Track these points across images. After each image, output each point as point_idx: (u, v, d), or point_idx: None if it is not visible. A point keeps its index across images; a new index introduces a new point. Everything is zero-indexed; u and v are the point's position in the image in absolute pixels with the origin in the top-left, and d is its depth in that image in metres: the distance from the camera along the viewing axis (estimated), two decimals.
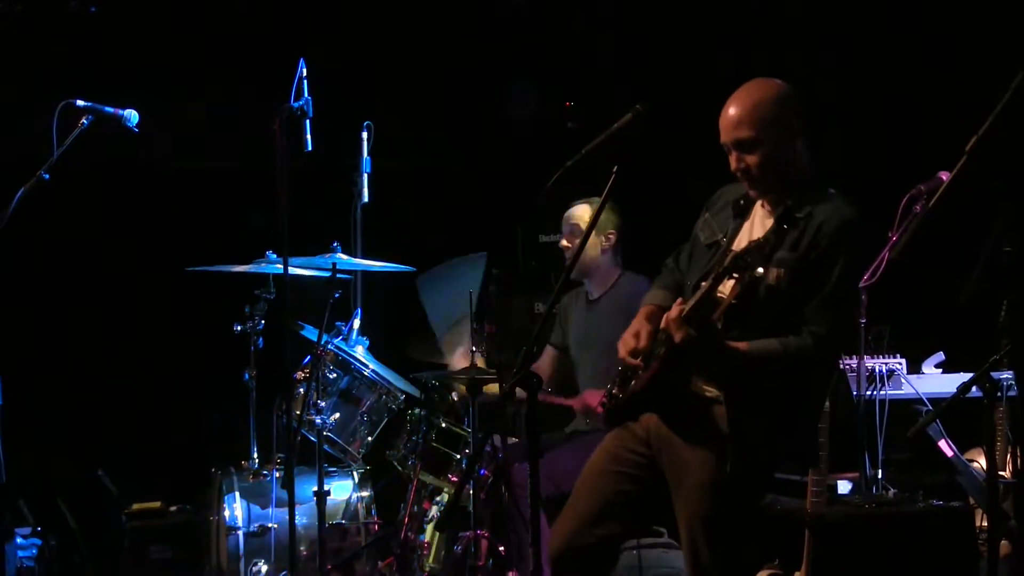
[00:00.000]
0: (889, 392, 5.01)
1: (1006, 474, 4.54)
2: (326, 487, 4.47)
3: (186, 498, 5.35)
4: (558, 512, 3.65)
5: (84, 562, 5.51)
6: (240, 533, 4.71)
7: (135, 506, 5.24)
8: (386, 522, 4.95)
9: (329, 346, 4.76)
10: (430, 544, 4.85)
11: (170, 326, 6.26)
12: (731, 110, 3.36)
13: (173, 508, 5.31)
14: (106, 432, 6.02)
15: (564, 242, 5.07)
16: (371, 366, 4.93)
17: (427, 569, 4.80)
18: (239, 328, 4.93)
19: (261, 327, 4.93)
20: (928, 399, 5.00)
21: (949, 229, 3.65)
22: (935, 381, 5.16)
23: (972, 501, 4.73)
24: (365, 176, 5.18)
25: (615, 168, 3.21)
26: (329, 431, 4.74)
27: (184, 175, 6.45)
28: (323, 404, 4.63)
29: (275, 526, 4.70)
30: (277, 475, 4.75)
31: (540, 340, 5.16)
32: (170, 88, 6.09)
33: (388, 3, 6.37)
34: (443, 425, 4.88)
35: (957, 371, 5.17)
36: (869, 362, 4.97)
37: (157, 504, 5.28)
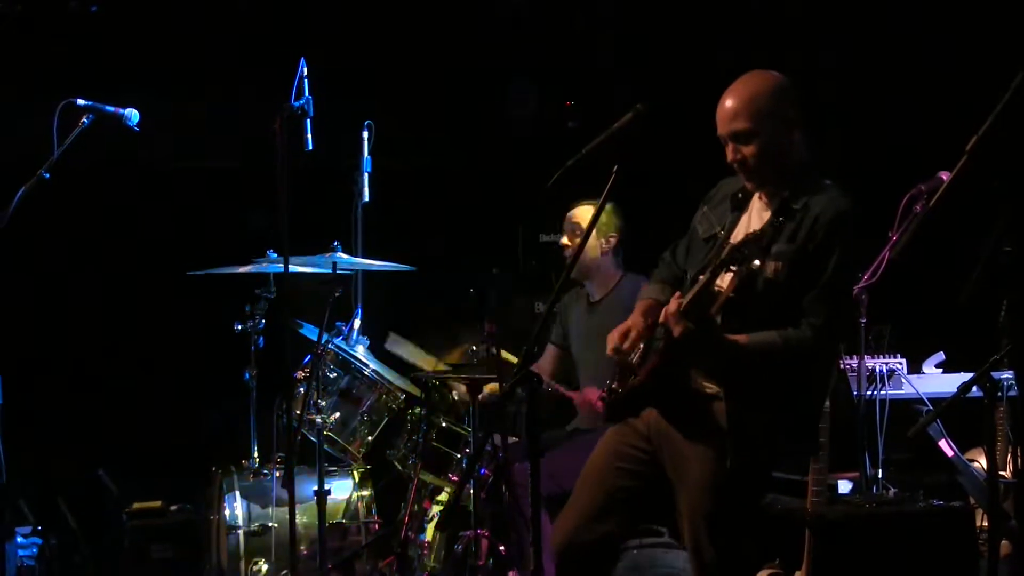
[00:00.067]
0: (889, 392, 5.01)
1: (1006, 474, 4.54)
2: (326, 486, 4.47)
3: (186, 497, 5.35)
4: (559, 511, 3.66)
5: (84, 561, 5.51)
6: (240, 532, 4.71)
7: (136, 505, 5.24)
8: (386, 521, 4.95)
9: (329, 345, 4.76)
10: (430, 543, 4.85)
11: (170, 325, 6.26)
12: (727, 102, 3.36)
13: (173, 507, 5.31)
14: (106, 431, 6.02)
15: (565, 240, 5.07)
16: (371, 365, 4.93)
17: (427, 568, 4.80)
18: (239, 327, 4.93)
19: (262, 326, 4.93)
20: (928, 399, 5.01)
21: (949, 229, 3.65)
22: (935, 381, 5.16)
23: (972, 501, 4.73)
24: (366, 175, 5.18)
25: (615, 168, 3.21)
26: (329, 430, 4.74)
27: (185, 174, 6.45)
28: (323, 403, 4.63)
29: (275, 525, 4.69)
30: (277, 474, 4.75)
31: (540, 340, 5.16)
32: (170, 88, 6.09)
33: (388, 3, 6.37)
34: (443, 424, 4.88)
35: (957, 371, 5.17)
36: (869, 362, 4.97)
37: (157, 503, 5.28)
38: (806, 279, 3.24)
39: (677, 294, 3.27)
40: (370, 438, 4.94)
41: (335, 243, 4.76)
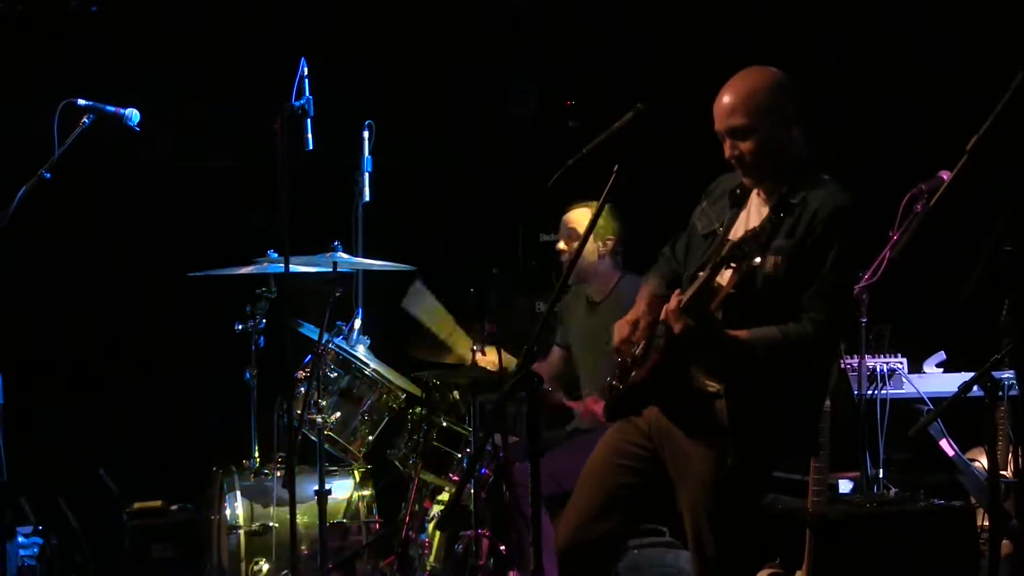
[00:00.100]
0: (890, 391, 5.01)
1: (1007, 473, 4.54)
2: (327, 486, 4.47)
3: (187, 497, 5.35)
4: (560, 511, 3.66)
5: (85, 561, 5.51)
6: (241, 532, 4.71)
7: (136, 505, 5.24)
8: (387, 521, 4.95)
9: (330, 345, 4.76)
10: (431, 543, 4.85)
11: (171, 325, 6.26)
12: (725, 98, 3.36)
13: (174, 507, 5.31)
14: (107, 431, 6.03)
15: (561, 245, 5.05)
16: (372, 365, 4.93)
17: (428, 568, 4.80)
18: (240, 327, 4.93)
19: (262, 326, 4.93)
20: (929, 398, 5.00)
21: (950, 228, 3.65)
22: (936, 380, 5.16)
23: (973, 500, 4.73)
24: (366, 175, 5.18)
25: (615, 167, 3.21)
26: (330, 430, 4.74)
27: (185, 174, 6.45)
28: (324, 403, 4.63)
29: (276, 525, 4.69)
30: (278, 474, 4.75)
31: (540, 340, 5.16)
32: (170, 88, 6.09)
33: (389, 3, 6.38)
34: (444, 424, 4.88)
35: (958, 370, 5.17)
36: (870, 361, 4.96)
37: (158, 503, 5.28)
38: (806, 274, 3.24)
39: (677, 291, 3.27)
40: (371, 438, 4.94)
41: (335, 243, 4.76)
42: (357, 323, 5.10)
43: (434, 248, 6.57)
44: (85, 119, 4.22)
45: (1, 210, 4.13)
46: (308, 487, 4.60)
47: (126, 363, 6.24)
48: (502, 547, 4.52)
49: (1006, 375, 3.88)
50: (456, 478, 4.82)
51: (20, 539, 5.17)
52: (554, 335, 5.24)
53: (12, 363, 4.27)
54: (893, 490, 4.69)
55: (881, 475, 4.82)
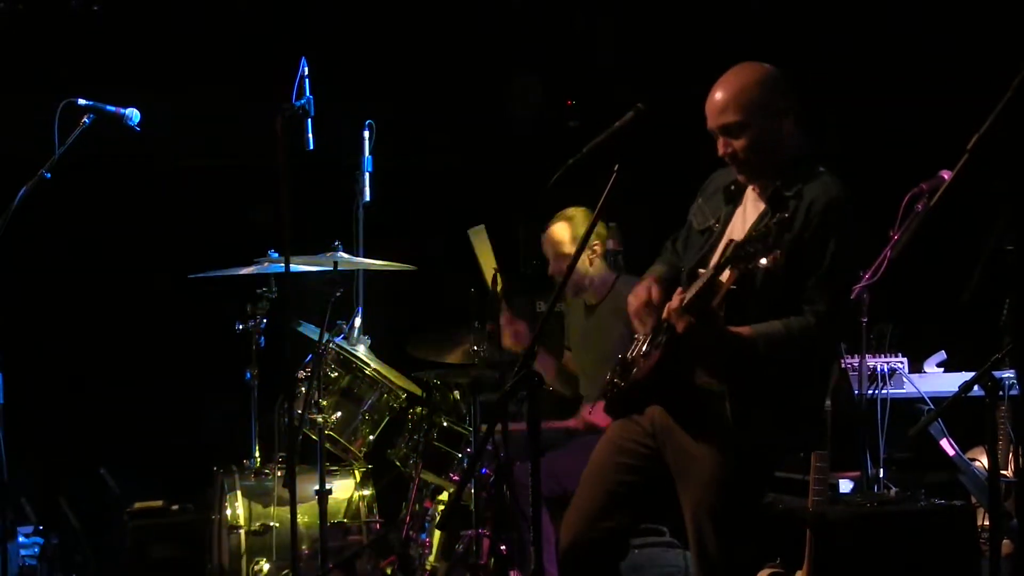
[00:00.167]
0: (891, 391, 5.01)
1: (1008, 473, 4.54)
2: (328, 486, 4.47)
3: (188, 497, 5.35)
4: (561, 511, 3.66)
5: (86, 561, 5.51)
6: (242, 532, 4.71)
7: (137, 505, 5.24)
8: (387, 521, 4.95)
9: (331, 345, 4.76)
10: (431, 543, 4.85)
11: (172, 325, 6.26)
12: (716, 95, 3.36)
13: (175, 507, 5.31)
14: (108, 431, 6.03)
15: (551, 269, 5.04)
16: (372, 365, 4.93)
17: (428, 568, 4.80)
18: (241, 327, 4.93)
19: (263, 326, 4.93)
20: (930, 398, 5.01)
21: (951, 228, 3.66)
22: (937, 380, 5.17)
23: (974, 500, 4.73)
24: (367, 175, 5.18)
25: (616, 167, 3.21)
26: (331, 430, 4.74)
27: (186, 174, 6.46)
28: (325, 403, 4.63)
29: (277, 525, 4.69)
30: (279, 474, 4.75)
31: (540, 339, 5.15)
32: (171, 87, 6.09)
33: (390, 3, 6.38)
34: (444, 424, 4.89)
35: (959, 370, 5.18)
36: (871, 361, 4.97)
37: (159, 503, 5.28)
38: (805, 267, 3.24)
39: (679, 289, 3.27)
40: (371, 437, 4.94)
41: (336, 243, 4.76)
42: (358, 323, 5.10)
43: (434, 248, 6.57)
44: (85, 119, 4.21)
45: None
46: (309, 487, 4.60)
47: (127, 363, 6.25)
48: (502, 547, 4.52)
49: (1006, 375, 3.89)
50: (456, 478, 4.82)
51: (21, 539, 5.18)
52: (563, 336, 5.25)
53: (13, 363, 4.26)
54: (894, 490, 4.69)
55: (882, 475, 4.82)
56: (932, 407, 4.96)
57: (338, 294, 4.57)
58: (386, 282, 5.50)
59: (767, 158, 3.35)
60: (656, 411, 3.45)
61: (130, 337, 6.27)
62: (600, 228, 4.99)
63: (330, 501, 4.51)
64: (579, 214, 4.99)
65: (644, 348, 3.41)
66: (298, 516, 4.07)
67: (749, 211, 3.40)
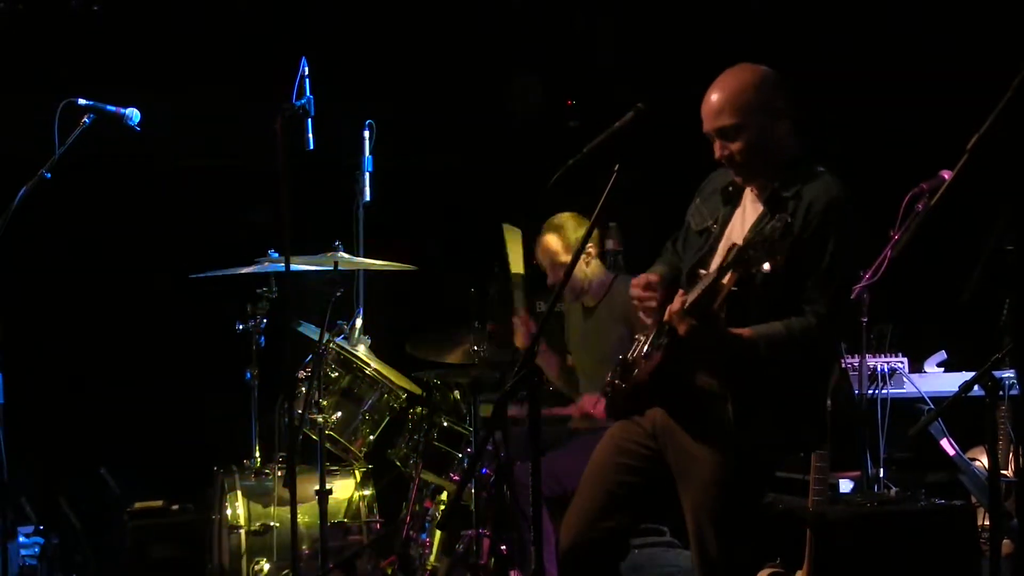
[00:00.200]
0: (891, 391, 5.01)
1: (1008, 473, 4.54)
2: (328, 486, 4.47)
3: (188, 497, 5.35)
4: (561, 511, 3.66)
5: (86, 561, 5.51)
6: (242, 532, 4.71)
7: (137, 505, 5.24)
8: (388, 521, 4.95)
9: (331, 345, 4.76)
10: (432, 543, 4.86)
11: (172, 324, 6.26)
12: (711, 99, 3.36)
13: (175, 507, 5.31)
14: (108, 431, 6.02)
15: (550, 279, 5.04)
16: (373, 365, 4.93)
17: (429, 568, 4.80)
18: (241, 327, 4.93)
19: (263, 326, 4.93)
20: (930, 398, 5.01)
21: (951, 228, 3.65)
22: (937, 380, 5.17)
23: (974, 500, 4.73)
24: (367, 175, 5.18)
25: (616, 167, 3.21)
26: (331, 430, 4.74)
27: (186, 174, 6.46)
28: (325, 403, 4.63)
29: (277, 525, 4.70)
30: (279, 474, 4.76)
31: (542, 338, 5.16)
32: (171, 87, 6.09)
33: (390, 3, 6.38)
34: (445, 424, 4.89)
35: (959, 370, 5.18)
36: (871, 361, 4.97)
37: (159, 503, 5.28)
38: (805, 267, 3.23)
39: (681, 292, 3.27)
40: (372, 437, 4.94)
41: (336, 242, 4.76)
42: (358, 323, 5.10)
43: (434, 248, 6.57)
44: (85, 119, 4.21)
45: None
46: (309, 487, 4.60)
47: (127, 363, 6.24)
48: (503, 547, 4.52)
49: (1007, 374, 3.89)
50: (457, 478, 4.82)
51: (21, 539, 5.18)
52: (564, 336, 5.25)
53: (13, 363, 4.26)
54: (894, 489, 4.69)
55: (882, 474, 4.82)
56: (932, 407, 4.96)
57: (338, 294, 4.57)
58: (386, 282, 5.50)
59: (764, 160, 3.35)
60: (657, 412, 3.45)
61: (130, 337, 6.27)
62: (583, 229, 4.97)
63: (330, 501, 4.51)
64: (568, 221, 4.98)
65: (645, 349, 3.41)
66: (298, 516, 4.07)
67: (748, 212, 3.40)
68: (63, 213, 5.87)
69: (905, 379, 5.05)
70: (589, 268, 4.97)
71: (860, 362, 4.83)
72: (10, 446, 4.14)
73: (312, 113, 4.14)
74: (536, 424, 3.18)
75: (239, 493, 4.77)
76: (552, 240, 4.99)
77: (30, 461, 5.14)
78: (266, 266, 4.76)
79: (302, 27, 6.19)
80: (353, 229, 5.27)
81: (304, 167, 4.11)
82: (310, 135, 4.16)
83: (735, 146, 3.33)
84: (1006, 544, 4.30)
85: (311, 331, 4.83)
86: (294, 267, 4.45)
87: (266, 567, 4.67)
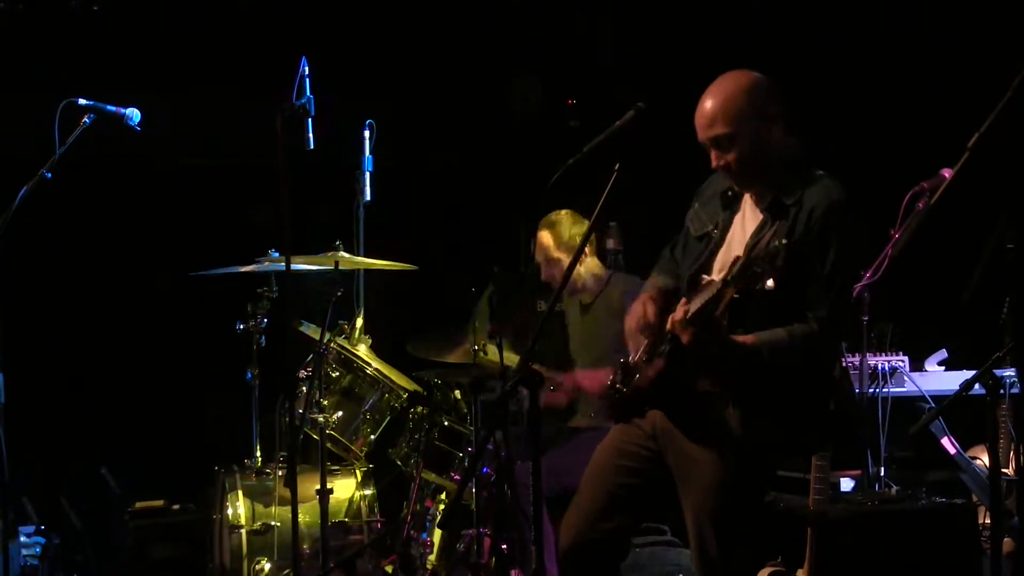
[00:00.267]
0: (892, 390, 5.01)
1: (1009, 471, 4.54)
2: (329, 485, 4.47)
3: (189, 496, 5.35)
4: (560, 510, 3.66)
5: (87, 560, 5.51)
6: (243, 531, 4.71)
7: (138, 504, 5.24)
8: (389, 520, 4.95)
9: (332, 344, 4.76)
10: (432, 542, 4.86)
11: (173, 324, 6.26)
12: (703, 108, 3.35)
13: (176, 506, 5.31)
14: (109, 430, 6.02)
15: (543, 275, 5.05)
16: (373, 364, 4.93)
17: (430, 567, 4.80)
18: (242, 326, 4.93)
19: (264, 325, 4.93)
20: (931, 396, 5.01)
21: (952, 226, 3.65)
22: (938, 378, 5.17)
23: (975, 498, 4.73)
24: (367, 175, 5.18)
25: (616, 166, 3.21)
26: (332, 429, 4.74)
27: (186, 174, 6.45)
28: (326, 402, 4.63)
29: (278, 524, 4.70)
30: (280, 473, 4.76)
31: (541, 338, 5.15)
32: (171, 87, 6.09)
33: (390, 3, 6.38)
34: (445, 423, 4.89)
35: (959, 368, 5.18)
36: (872, 359, 4.97)
37: (160, 502, 5.28)
38: (807, 272, 3.23)
39: (683, 300, 3.26)
40: (372, 437, 4.94)
41: (337, 242, 4.76)
42: (359, 322, 5.10)
43: (434, 248, 6.57)
44: (85, 119, 4.21)
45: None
46: (310, 486, 4.60)
47: (128, 363, 6.24)
48: (504, 546, 4.52)
49: (1007, 373, 3.89)
50: (457, 477, 4.82)
51: (22, 538, 5.17)
52: (564, 336, 5.24)
53: (14, 363, 4.26)
54: (895, 488, 4.68)
55: (883, 473, 4.82)
56: (933, 405, 4.96)
57: (339, 294, 4.57)
58: (386, 282, 5.50)
59: (761, 166, 3.35)
60: (657, 415, 3.46)
61: (131, 337, 6.27)
62: (582, 227, 4.97)
63: (331, 500, 4.51)
64: (564, 218, 5.00)
65: (646, 355, 3.41)
66: (299, 516, 4.07)
67: (748, 218, 3.40)
68: (63, 213, 5.87)
69: (906, 378, 5.05)
70: (584, 265, 4.97)
71: (861, 361, 4.83)
72: (11, 446, 4.14)
73: (312, 113, 4.14)
74: (536, 424, 3.18)
75: (240, 493, 4.77)
76: (546, 236, 5.01)
77: (31, 461, 5.15)
78: (266, 266, 4.76)
79: (302, 27, 6.19)
80: (353, 229, 5.27)
81: (304, 167, 4.11)
82: (310, 135, 4.15)
83: (731, 156, 3.33)
84: (1007, 542, 4.30)
85: (314, 330, 4.83)
86: (294, 267, 4.45)
87: (267, 567, 4.67)
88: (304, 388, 4.68)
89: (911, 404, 5.02)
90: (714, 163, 3.37)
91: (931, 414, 3.83)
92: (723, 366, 3.28)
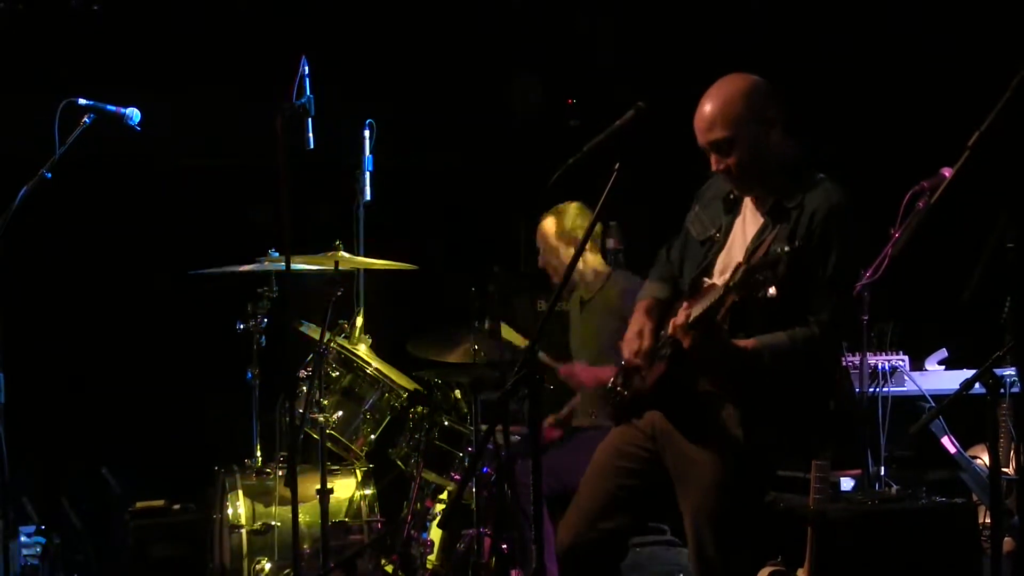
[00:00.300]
0: (892, 389, 5.01)
1: (1009, 471, 4.54)
2: (329, 485, 4.47)
3: (189, 496, 5.36)
4: (561, 509, 3.66)
5: (88, 560, 5.51)
6: (243, 531, 4.71)
7: (138, 504, 5.25)
8: (389, 520, 4.95)
9: (332, 344, 4.76)
10: (433, 542, 4.86)
11: (173, 324, 6.26)
12: (702, 112, 3.35)
13: (176, 506, 5.32)
14: (109, 430, 6.03)
15: (540, 262, 5.05)
16: (374, 364, 4.94)
17: (430, 567, 4.80)
18: (242, 326, 4.93)
19: (264, 325, 4.94)
20: (931, 396, 5.01)
21: (952, 225, 3.65)
22: (938, 378, 5.17)
23: (975, 498, 4.73)
24: (367, 174, 5.18)
25: (616, 166, 3.21)
26: (332, 429, 4.74)
27: (186, 173, 6.46)
28: (326, 402, 4.63)
29: (278, 524, 4.70)
30: (280, 473, 4.76)
31: (542, 338, 5.15)
32: (171, 87, 6.09)
33: (390, 2, 6.38)
34: (445, 423, 4.89)
35: (960, 368, 5.18)
36: (872, 359, 4.97)
37: (160, 502, 5.28)
38: (808, 277, 3.23)
39: (685, 305, 3.26)
40: (372, 437, 4.94)
41: (337, 242, 4.76)
42: (358, 322, 5.10)
43: (434, 248, 6.58)
44: (85, 118, 4.21)
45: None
46: (310, 486, 4.60)
47: (128, 362, 6.25)
48: (504, 546, 4.53)
49: (1008, 372, 3.88)
50: (458, 477, 4.82)
51: (23, 538, 5.17)
52: (565, 335, 5.24)
53: (14, 362, 4.26)
54: (895, 488, 4.68)
55: (883, 473, 4.82)
56: (933, 405, 4.96)
57: (339, 293, 4.57)
58: (386, 282, 5.50)
59: (760, 169, 3.35)
60: (656, 416, 3.46)
61: (131, 337, 6.27)
62: (587, 221, 4.97)
63: (331, 500, 4.51)
64: (571, 209, 5.00)
65: (646, 359, 3.42)
66: (299, 515, 4.07)
67: (748, 222, 3.40)
68: (63, 213, 5.87)
69: (906, 377, 5.05)
70: (586, 261, 4.97)
71: (861, 360, 4.83)
72: (11, 446, 4.14)
73: (312, 112, 4.14)
74: (536, 423, 3.18)
75: (240, 492, 4.77)
76: (548, 223, 5.00)
77: (31, 461, 5.15)
78: (266, 265, 4.76)
79: (302, 27, 6.19)
80: (353, 228, 5.27)
81: (304, 166, 4.11)
82: (310, 134, 4.15)
83: (730, 160, 3.33)
84: (1007, 542, 4.30)
85: (313, 331, 4.83)
86: (294, 267, 4.45)
87: (267, 566, 4.67)
88: (304, 388, 4.68)
89: (911, 403, 5.02)
90: (714, 167, 3.37)
91: (931, 413, 3.83)
92: (724, 370, 3.28)
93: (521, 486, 4.52)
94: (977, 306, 2.88)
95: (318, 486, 4.45)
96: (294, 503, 3.98)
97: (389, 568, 4.77)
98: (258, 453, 4.96)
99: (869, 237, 3.64)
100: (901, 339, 5.18)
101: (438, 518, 4.92)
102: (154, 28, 6.16)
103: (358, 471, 4.97)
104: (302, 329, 4.96)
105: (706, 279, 3.32)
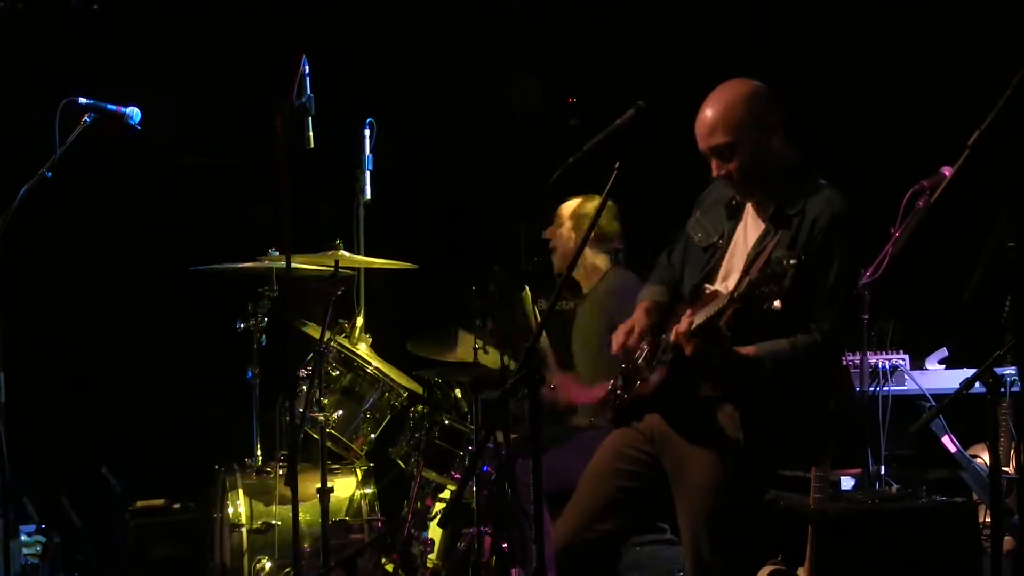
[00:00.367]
0: (892, 388, 5.01)
1: (1009, 470, 4.55)
2: (329, 484, 4.47)
3: (190, 495, 5.35)
4: (561, 508, 3.66)
5: (88, 560, 5.51)
6: (243, 530, 4.71)
7: (139, 503, 5.25)
8: (389, 519, 4.95)
9: (332, 343, 4.76)
10: (433, 541, 4.86)
11: (173, 323, 6.26)
12: (704, 117, 3.35)
13: (177, 505, 5.31)
14: (110, 429, 6.03)
15: (547, 232, 5.04)
16: (374, 363, 4.94)
17: (430, 566, 4.80)
18: (242, 325, 4.94)
19: (264, 324, 4.94)
20: (931, 395, 5.01)
21: (952, 224, 3.65)
22: (938, 377, 5.17)
23: (975, 497, 4.74)
24: (367, 173, 5.18)
25: (616, 165, 3.21)
26: (332, 428, 4.74)
27: (186, 172, 6.46)
28: (326, 401, 4.63)
29: (278, 523, 4.70)
30: (280, 472, 4.76)
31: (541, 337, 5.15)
32: (171, 87, 6.09)
33: (390, 2, 6.38)
34: (446, 422, 4.89)
35: (960, 367, 5.18)
36: (872, 358, 4.97)
37: (161, 501, 5.28)
38: (810, 284, 3.22)
39: (688, 312, 3.26)
40: (373, 436, 4.95)
41: (337, 241, 4.76)
42: (359, 321, 5.10)
43: (434, 247, 6.57)
44: (86, 118, 4.21)
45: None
46: (310, 485, 4.60)
47: (128, 362, 6.24)
48: (504, 545, 4.53)
49: (1008, 371, 3.89)
50: (458, 476, 4.82)
51: (23, 537, 5.17)
52: (564, 335, 5.24)
53: (14, 362, 4.26)
54: (895, 486, 4.69)
55: (883, 471, 4.82)
56: (933, 404, 4.96)
57: (339, 293, 4.57)
58: (387, 281, 5.50)
59: (762, 174, 3.34)
60: (655, 418, 3.46)
61: (132, 336, 6.27)
62: (610, 223, 4.94)
63: (332, 499, 4.51)
64: (597, 201, 4.96)
65: (646, 362, 3.42)
66: (300, 514, 4.07)
67: (750, 228, 3.40)
68: (64, 212, 5.87)
69: (906, 376, 5.06)
70: (585, 256, 4.95)
71: (861, 359, 4.83)
72: (11, 445, 4.14)
73: (312, 111, 4.14)
74: (536, 423, 3.18)
75: (240, 491, 4.78)
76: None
77: (32, 460, 5.15)
78: (266, 263, 4.76)
79: (302, 26, 6.19)
80: (353, 228, 5.27)
81: (304, 166, 4.11)
82: (310, 133, 4.15)
83: (732, 165, 3.33)
84: (1007, 541, 4.30)
85: (313, 330, 4.83)
86: (295, 266, 4.45)
87: (267, 565, 4.67)
88: (304, 387, 4.68)
89: (911, 402, 5.02)
90: (715, 172, 3.37)
91: (931, 412, 3.83)
92: (726, 376, 3.28)
93: (521, 485, 4.52)
94: (977, 305, 2.88)
95: (318, 485, 4.45)
96: (294, 502, 3.98)
97: (389, 567, 4.77)
98: (258, 452, 4.96)
99: (870, 241, 3.63)
100: (901, 338, 5.18)
101: (438, 517, 4.92)
102: (154, 28, 6.16)
103: (358, 470, 4.97)
104: (305, 330, 4.95)
105: (708, 285, 3.33)
